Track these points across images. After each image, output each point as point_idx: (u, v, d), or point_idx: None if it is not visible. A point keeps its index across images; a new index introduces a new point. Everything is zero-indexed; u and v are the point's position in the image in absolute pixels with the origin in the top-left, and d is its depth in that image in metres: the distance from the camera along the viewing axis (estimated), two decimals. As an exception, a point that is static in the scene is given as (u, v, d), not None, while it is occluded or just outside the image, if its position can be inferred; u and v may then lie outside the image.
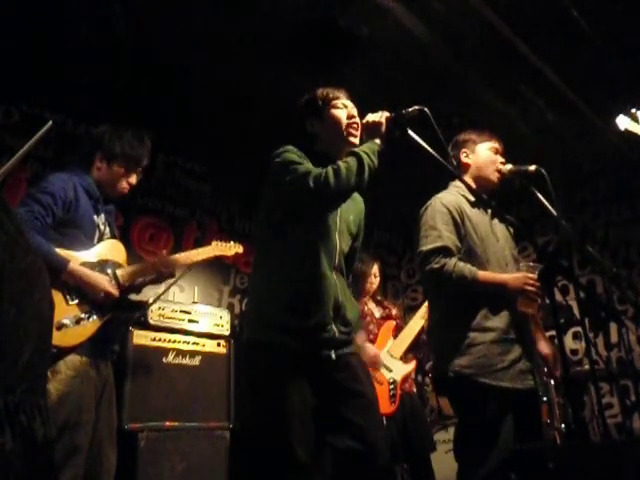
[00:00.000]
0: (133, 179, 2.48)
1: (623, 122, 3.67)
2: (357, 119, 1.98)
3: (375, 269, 3.86)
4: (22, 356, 0.90)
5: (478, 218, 2.22)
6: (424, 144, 1.78)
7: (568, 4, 3.37)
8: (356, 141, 1.97)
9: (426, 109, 1.76)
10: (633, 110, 3.66)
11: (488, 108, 4.23)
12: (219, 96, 4.00)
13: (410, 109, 1.79)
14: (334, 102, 2.00)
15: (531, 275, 2.04)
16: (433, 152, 1.79)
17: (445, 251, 2.08)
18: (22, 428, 0.86)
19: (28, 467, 0.86)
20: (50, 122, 1.68)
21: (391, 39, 3.56)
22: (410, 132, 1.78)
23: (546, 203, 2.06)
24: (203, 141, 4.39)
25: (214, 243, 2.79)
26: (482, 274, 2.06)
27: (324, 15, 3.39)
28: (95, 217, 2.36)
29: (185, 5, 3.27)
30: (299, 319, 1.79)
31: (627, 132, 3.68)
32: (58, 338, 2.08)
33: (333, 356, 1.84)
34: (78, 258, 2.22)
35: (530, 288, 2.01)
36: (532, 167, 2.16)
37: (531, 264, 2.10)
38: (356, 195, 2.14)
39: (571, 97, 4.13)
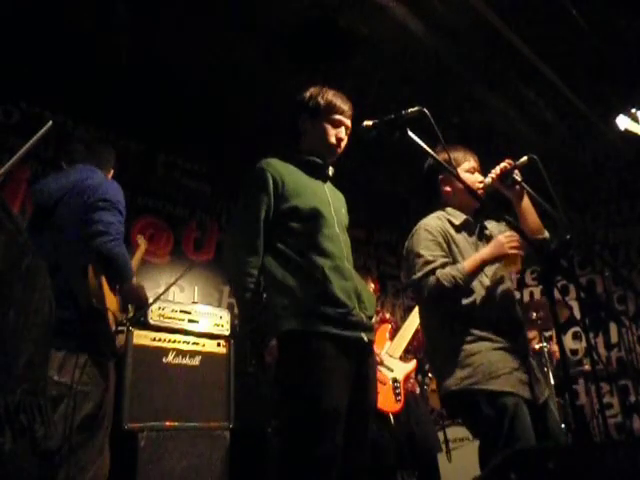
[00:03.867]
0: None
1: (623, 122, 3.66)
2: (345, 139, 2.02)
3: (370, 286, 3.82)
4: (22, 356, 0.90)
5: (465, 243, 2.18)
6: (424, 145, 1.78)
7: (568, 4, 3.38)
8: (336, 154, 2.04)
9: (426, 109, 1.76)
10: (633, 110, 3.65)
11: (488, 108, 4.23)
12: (219, 96, 4.00)
13: (410, 109, 1.78)
14: (331, 116, 2.00)
15: (507, 233, 2.04)
16: (433, 153, 1.79)
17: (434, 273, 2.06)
18: (22, 428, 0.86)
19: (28, 467, 0.86)
20: (50, 122, 1.69)
21: (391, 39, 3.56)
22: (410, 133, 1.77)
23: (540, 199, 2.04)
24: (203, 141, 4.39)
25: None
26: (467, 264, 2.03)
27: (324, 15, 3.39)
28: None
29: (185, 5, 3.27)
30: (331, 307, 1.81)
31: (627, 132, 3.68)
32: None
33: (365, 338, 1.87)
34: None
35: (513, 244, 2.00)
36: (524, 158, 2.10)
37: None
38: (335, 189, 2.16)
39: (571, 97, 4.13)
